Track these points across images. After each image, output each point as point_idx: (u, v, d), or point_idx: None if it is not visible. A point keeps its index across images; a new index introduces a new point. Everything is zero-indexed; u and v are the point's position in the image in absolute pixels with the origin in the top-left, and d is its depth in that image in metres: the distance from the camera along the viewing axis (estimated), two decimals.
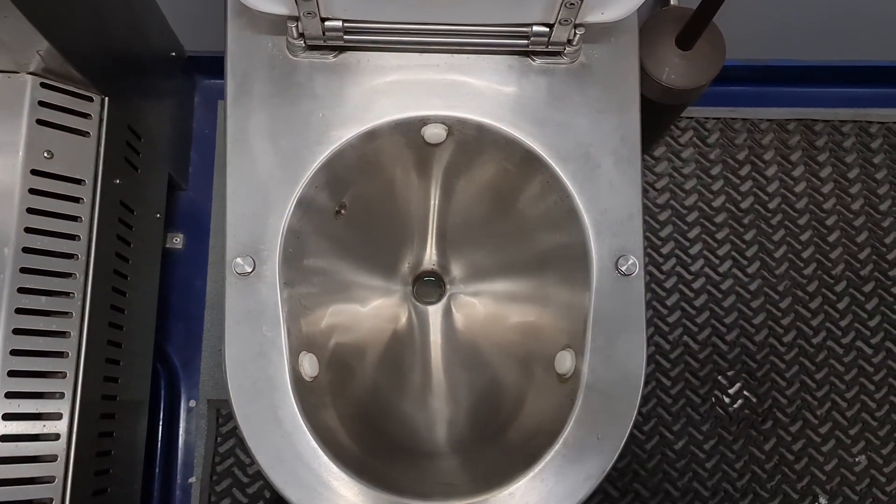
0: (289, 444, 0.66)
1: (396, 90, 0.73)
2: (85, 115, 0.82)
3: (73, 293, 0.80)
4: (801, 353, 1.20)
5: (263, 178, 0.71)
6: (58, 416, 0.78)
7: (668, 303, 1.21)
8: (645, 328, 0.70)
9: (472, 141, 0.75)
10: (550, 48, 0.72)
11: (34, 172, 0.77)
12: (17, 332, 0.75)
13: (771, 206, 1.25)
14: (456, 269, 0.92)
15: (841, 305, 1.22)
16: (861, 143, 1.28)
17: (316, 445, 0.66)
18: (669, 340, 1.20)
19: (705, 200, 1.24)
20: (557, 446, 0.68)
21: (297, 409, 0.67)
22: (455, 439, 0.80)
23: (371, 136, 0.73)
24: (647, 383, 1.18)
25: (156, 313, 1.05)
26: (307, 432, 0.67)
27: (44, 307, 0.77)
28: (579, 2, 0.65)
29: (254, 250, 0.70)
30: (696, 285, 1.22)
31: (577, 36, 0.71)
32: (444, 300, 0.92)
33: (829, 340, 1.21)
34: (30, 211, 0.77)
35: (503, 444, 0.75)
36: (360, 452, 0.71)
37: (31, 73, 0.78)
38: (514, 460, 0.70)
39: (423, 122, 0.73)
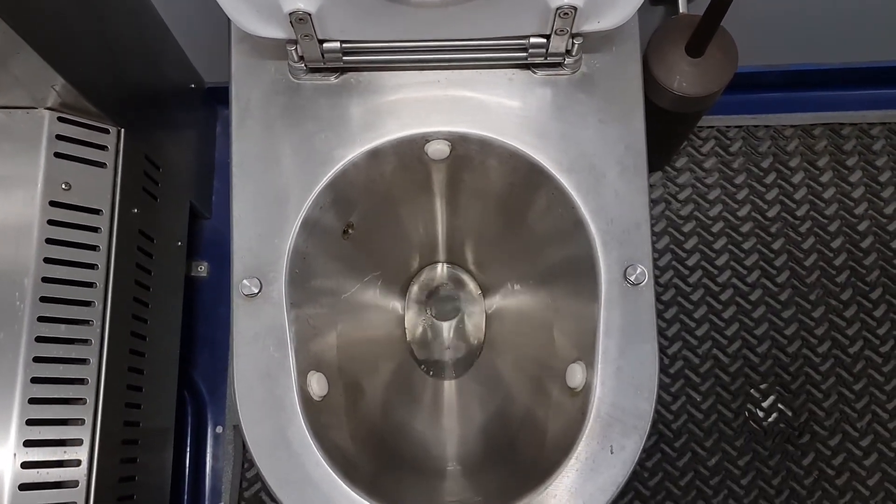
0: (297, 464, 0.66)
1: (398, 108, 0.74)
2: (101, 147, 0.84)
3: (91, 321, 0.82)
4: (838, 364, 1.16)
5: (268, 201, 0.72)
6: (79, 442, 0.79)
7: (696, 315, 1.18)
8: (656, 338, 0.69)
9: (475, 156, 0.75)
10: (550, 59, 0.72)
11: (52, 204, 0.79)
12: (37, 360, 0.76)
13: (799, 213, 1.22)
14: (468, 286, 0.92)
15: (878, 313, 1.18)
16: (891, 146, 1.24)
17: (325, 465, 0.66)
18: (698, 354, 1.17)
19: (730, 210, 1.22)
20: (570, 461, 0.66)
21: (305, 430, 0.67)
22: (466, 457, 0.79)
23: (374, 154, 0.73)
24: (676, 398, 1.15)
25: (180, 341, 1.06)
26: (316, 452, 0.66)
27: (63, 335, 0.79)
28: (573, 11, 0.65)
29: (260, 272, 0.70)
30: (724, 297, 1.19)
31: (576, 46, 0.71)
32: (457, 316, 0.91)
33: (867, 350, 1.17)
34: (49, 241, 0.78)
35: (515, 460, 0.74)
36: (370, 471, 0.70)
37: (48, 109, 0.80)
38: (526, 477, 0.68)
39: (426, 138, 0.74)
